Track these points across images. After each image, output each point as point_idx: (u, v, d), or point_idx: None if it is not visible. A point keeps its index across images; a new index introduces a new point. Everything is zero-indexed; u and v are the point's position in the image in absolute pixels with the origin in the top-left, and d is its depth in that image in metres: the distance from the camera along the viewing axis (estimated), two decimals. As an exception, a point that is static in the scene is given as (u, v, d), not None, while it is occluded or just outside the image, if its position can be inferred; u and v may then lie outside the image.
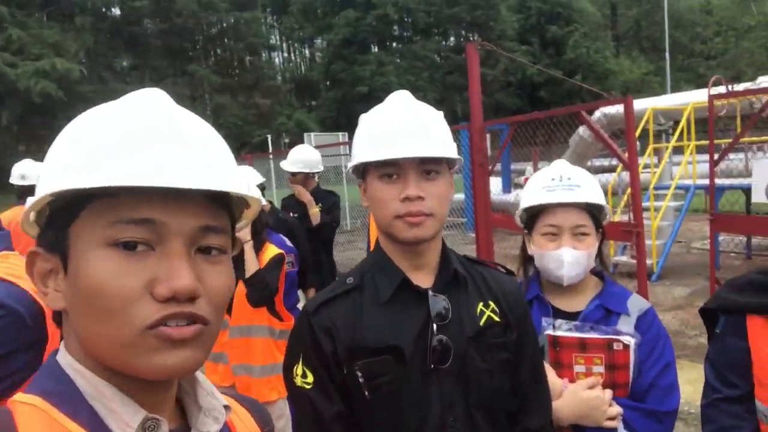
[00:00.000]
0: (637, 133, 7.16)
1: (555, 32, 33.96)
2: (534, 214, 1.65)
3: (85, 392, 0.62)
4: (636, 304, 1.63)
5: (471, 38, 33.81)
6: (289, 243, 3.36)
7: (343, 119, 35.68)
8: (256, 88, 40.94)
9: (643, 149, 9.47)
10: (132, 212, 0.59)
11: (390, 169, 1.19)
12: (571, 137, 11.66)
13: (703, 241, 11.20)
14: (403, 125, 1.20)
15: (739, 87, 8.44)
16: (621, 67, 37.01)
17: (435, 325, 1.21)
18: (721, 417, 1.49)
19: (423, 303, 1.23)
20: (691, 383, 4.01)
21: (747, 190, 8.85)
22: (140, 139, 0.60)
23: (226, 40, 42.83)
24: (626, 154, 4.74)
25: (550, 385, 1.48)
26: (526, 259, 1.74)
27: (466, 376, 1.23)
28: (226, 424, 0.72)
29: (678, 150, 9.96)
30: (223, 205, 0.66)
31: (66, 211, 0.61)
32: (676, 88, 31.66)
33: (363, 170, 1.27)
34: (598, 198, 1.62)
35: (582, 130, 11.33)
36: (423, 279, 1.26)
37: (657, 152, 10.08)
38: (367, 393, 1.19)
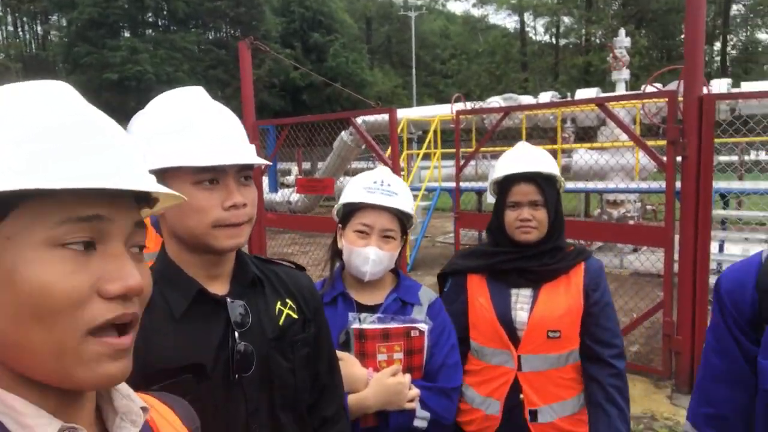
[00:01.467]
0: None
1: (317, 39, 35.18)
2: (350, 210, 1.73)
3: None
4: (426, 294, 1.83)
5: (233, 34, 33.19)
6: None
7: (88, 108, 31.71)
8: (-28, 64, 34.36)
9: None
10: (79, 210, 0.57)
11: (210, 175, 1.11)
12: (332, 141, 12.28)
13: (445, 235, 12.83)
14: (220, 128, 1.14)
15: (476, 105, 9.83)
16: (375, 78, 40.08)
17: (236, 333, 1.16)
18: None
19: (221, 311, 1.17)
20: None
21: (478, 192, 10.42)
22: (77, 137, 0.58)
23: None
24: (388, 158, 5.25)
25: (356, 376, 1.59)
26: (335, 253, 1.83)
27: (269, 380, 1.21)
28: (148, 424, 0.70)
29: (425, 156, 11.24)
30: (143, 200, 0.66)
31: None
32: (420, 101, 35.40)
33: (157, 173, 1.12)
34: (409, 208, 1.76)
35: (345, 134, 12.03)
36: (218, 286, 1.20)
37: (408, 158, 11.25)
38: None
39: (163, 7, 31.24)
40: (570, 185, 9.42)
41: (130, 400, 0.68)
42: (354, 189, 1.75)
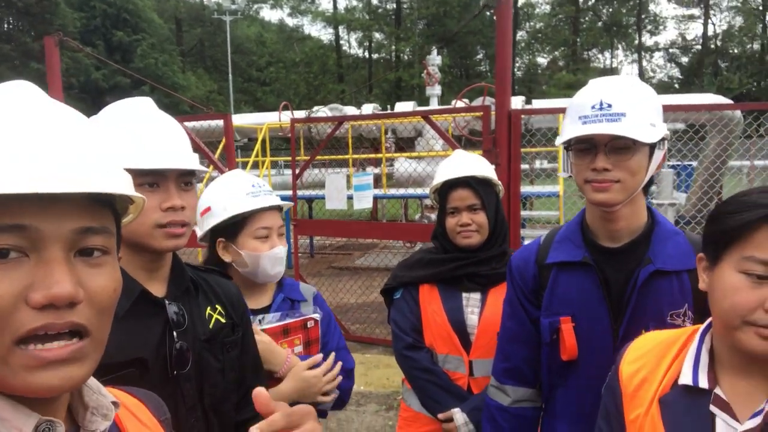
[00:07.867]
0: (220, 147, 7.76)
1: (122, 38, 32.60)
2: (241, 219, 1.68)
3: None
4: (307, 289, 1.88)
5: (20, 27, 29.31)
6: None
7: None
8: None
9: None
10: (0, 218, 0.54)
11: (151, 179, 1.19)
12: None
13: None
14: (163, 136, 1.21)
15: (306, 113, 9.98)
16: (189, 82, 38.23)
17: (174, 332, 1.24)
18: (415, 355, 2.01)
19: (160, 312, 1.24)
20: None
21: (308, 200, 10.59)
22: (6, 139, 0.55)
23: None
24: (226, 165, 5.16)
25: (277, 352, 1.64)
26: (219, 267, 1.73)
27: (201, 378, 1.29)
28: (114, 421, 0.69)
29: (253, 165, 11.10)
30: (104, 203, 0.62)
31: None
32: (237, 108, 34.61)
33: None
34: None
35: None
36: (157, 288, 1.27)
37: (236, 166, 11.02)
38: None
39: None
40: (392, 191, 10.02)
41: (100, 394, 0.68)
42: (235, 198, 1.69)
